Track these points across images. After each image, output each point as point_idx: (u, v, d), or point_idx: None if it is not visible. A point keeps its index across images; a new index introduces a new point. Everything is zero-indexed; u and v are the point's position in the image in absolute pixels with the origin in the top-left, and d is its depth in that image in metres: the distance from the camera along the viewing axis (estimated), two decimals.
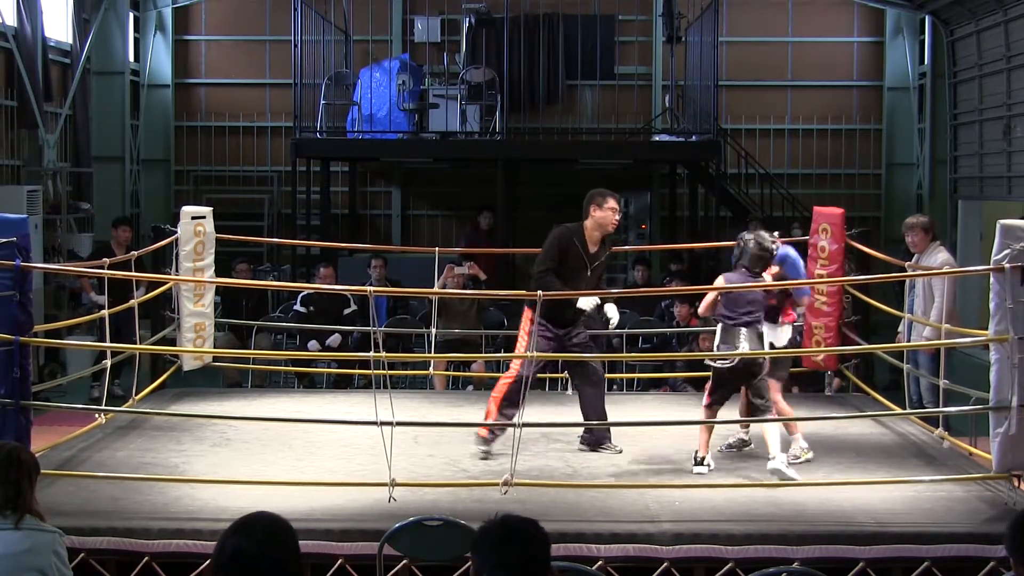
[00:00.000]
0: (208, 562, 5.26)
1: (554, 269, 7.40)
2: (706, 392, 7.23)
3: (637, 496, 6.47)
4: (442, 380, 10.73)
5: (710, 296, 7.16)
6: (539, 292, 6.97)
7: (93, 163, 15.92)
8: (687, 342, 10.96)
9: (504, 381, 7.42)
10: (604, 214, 7.47)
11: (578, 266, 7.47)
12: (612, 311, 7.77)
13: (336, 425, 7.73)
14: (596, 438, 7.56)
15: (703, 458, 7.04)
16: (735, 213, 16.04)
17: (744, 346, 6.95)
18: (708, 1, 14.01)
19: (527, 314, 7.42)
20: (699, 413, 7.33)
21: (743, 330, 6.99)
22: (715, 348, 7.15)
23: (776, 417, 7.15)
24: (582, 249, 7.47)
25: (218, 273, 9.49)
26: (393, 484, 6.21)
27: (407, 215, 18.06)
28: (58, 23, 15.14)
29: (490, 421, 7.33)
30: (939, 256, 8.65)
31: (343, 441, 7.62)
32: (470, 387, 8.20)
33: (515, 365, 7.40)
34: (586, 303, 7.41)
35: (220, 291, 11.61)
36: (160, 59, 17.78)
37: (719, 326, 7.10)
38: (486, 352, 11.02)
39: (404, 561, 5.63)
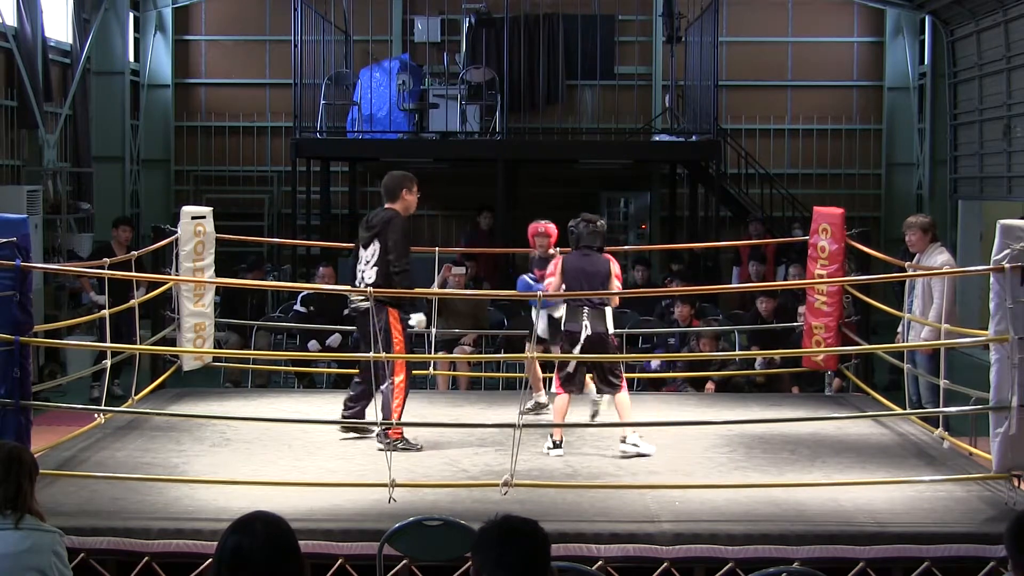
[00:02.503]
0: (208, 562, 5.26)
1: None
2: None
3: (637, 496, 6.46)
4: (444, 380, 10.76)
5: (556, 280, 7.69)
6: (539, 293, 7.00)
7: (93, 163, 15.93)
8: (687, 342, 10.97)
9: (400, 383, 7.40)
10: (414, 198, 7.68)
11: None
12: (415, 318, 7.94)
13: (336, 425, 7.73)
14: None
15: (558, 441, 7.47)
16: (735, 213, 16.05)
17: (587, 323, 7.41)
18: (708, 1, 14.01)
19: (394, 315, 7.40)
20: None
21: (586, 308, 7.43)
22: (562, 326, 7.59)
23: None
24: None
25: (218, 273, 9.48)
26: (393, 484, 6.21)
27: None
28: (58, 23, 15.14)
29: (397, 420, 7.39)
30: (939, 257, 8.65)
31: (343, 441, 7.62)
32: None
33: (400, 366, 7.40)
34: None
35: (222, 291, 11.61)
36: (160, 59, 17.79)
37: (564, 305, 7.58)
38: (486, 352, 11.04)
39: (404, 561, 5.63)
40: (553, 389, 7.61)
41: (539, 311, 7.83)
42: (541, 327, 8.19)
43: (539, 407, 8.50)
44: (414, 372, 8.02)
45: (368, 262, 7.49)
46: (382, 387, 7.31)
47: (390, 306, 7.38)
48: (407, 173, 7.82)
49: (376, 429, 7.35)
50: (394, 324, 7.40)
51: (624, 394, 7.62)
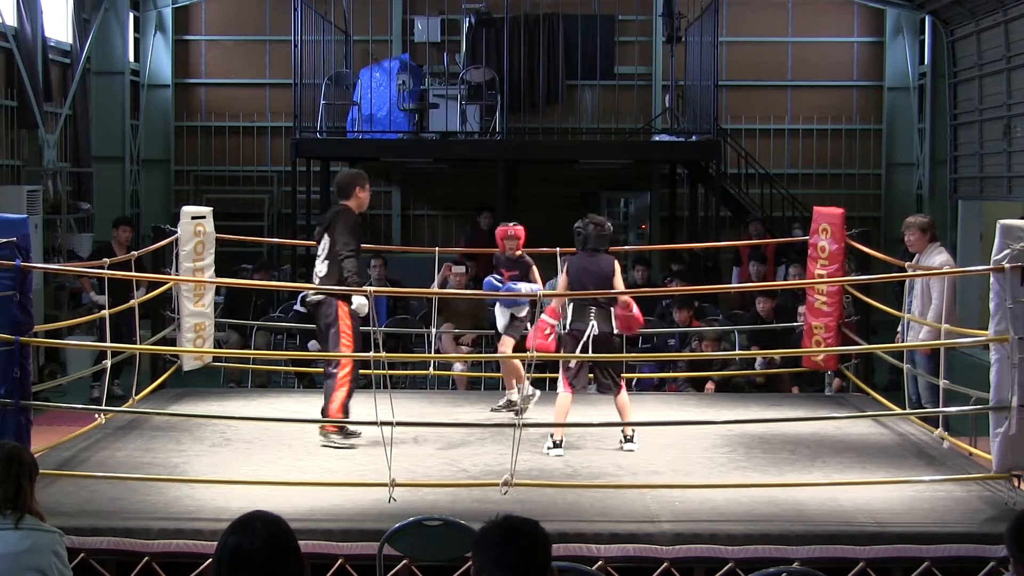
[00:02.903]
0: (208, 562, 5.26)
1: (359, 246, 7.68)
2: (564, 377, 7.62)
3: (637, 496, 6.46)
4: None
5: (563, 279, 7.77)
6: (539, 292, 7.03)
7: (93, 163, 15.93)
8: (688, 343, 10.97)
9: (343, 377, 7.48)
10: (367, 195, 7.85)
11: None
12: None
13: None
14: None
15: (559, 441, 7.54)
16: (735, 213, 16.05)
17: (593, 323, 7.54)
18: (708, 1, 14.01)
19: (344, 308, 7.49)
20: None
21: (593, 308, 7.55)
22: (568, 326, 7.66)
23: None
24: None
25: (218, 273, 9.48)
26: (393, 484, 6.21)
27: (407, 215, 18.07)
28: (58, 23, 15.14)
29: (338, 418, 7.48)
30: (938, 257, 8.65)
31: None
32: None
33: (345, 362, 7.48)
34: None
35: (225, 291, 11.61)
36: (160, 59, 17.79)
37: (571, 305, 7.64)
38: (486, 352, 11.03)
39: (404, 561, 5.63)
40: (559, 388, 7.62)
41: (503, 308, 8.30)
42: (502, 323, 8.58)
43: (510, 405, 8.59)
44: (414, 372, 8.07)
45: (320, 256, 7.71)
46: (328, 380, 7.53)
47: (339, 299, 7.50)
48: (360, 171, 8.15)
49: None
50: (343, 317, 7.51)
51: (624, 394, 7.68)
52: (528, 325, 8.42)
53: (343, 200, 7.78)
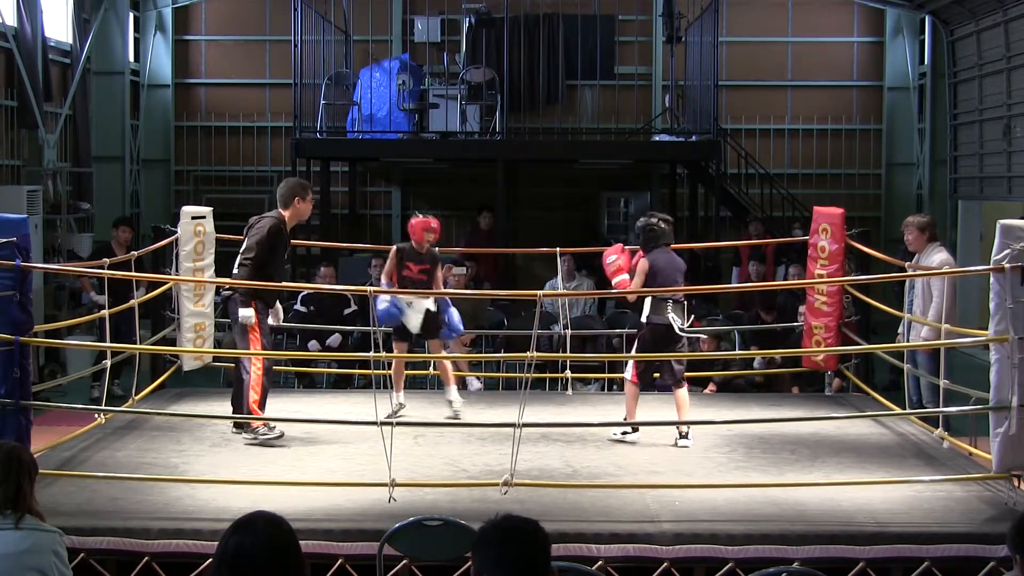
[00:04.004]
0: (208, 562, 5.26)
1: (263, 257, 7.66)
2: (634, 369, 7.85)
3: (637, 496, 6.47)
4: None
5: (639, 280, 7.80)
6: (539, 293, 7.03)
7: (93, 163, 15.93)
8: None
9: (256, 375, 7.57)
10: (307, 206, 7.95)
11: (283, 252, 8.10)
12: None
13: (336, 425, 7.73)
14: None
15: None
16: (735, 213, 16.04)
17: (672, 316, 7.71)
18: (708, 1, 14.01)
19: (254, 306, 7.64)
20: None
21: (671, 302, 7.74)
22: (645, 319, 7.80)
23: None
24: (288, 237, 8.02)
25: (218, 273, 9.48)
26: (393, 484, 6.21)
27: (407, 215, 18.01)
28: (58, 23, 15.14)
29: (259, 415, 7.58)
30: (936, 256, 8.65)
31: (343, 441, 7.62)
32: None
33: (257, 361, 7.60)
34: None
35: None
36: (160, 59, 17.78)
37: (648, 300, 7.76)
38: (486, 352, 11.04)
39: (404, 561, 5.63)
40: (628, 376, 7.91)
41: (412, 307, 8.26)
42: (415, 323, 8.37)
43: (451, 410, 8.51)
44: (414, 372, 8.09)
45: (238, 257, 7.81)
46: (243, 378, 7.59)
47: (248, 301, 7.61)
48: (302, 180, 8.29)
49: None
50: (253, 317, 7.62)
51: (685, 391, 7.87)
52: (444, 320, 8.46)
53: (281, 209, 7.86)
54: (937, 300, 8.27)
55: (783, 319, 10.63)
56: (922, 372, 8.52)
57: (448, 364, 8.61)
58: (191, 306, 8.91)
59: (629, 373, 7.92)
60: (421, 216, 8.61)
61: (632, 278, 7.85)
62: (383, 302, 8.25)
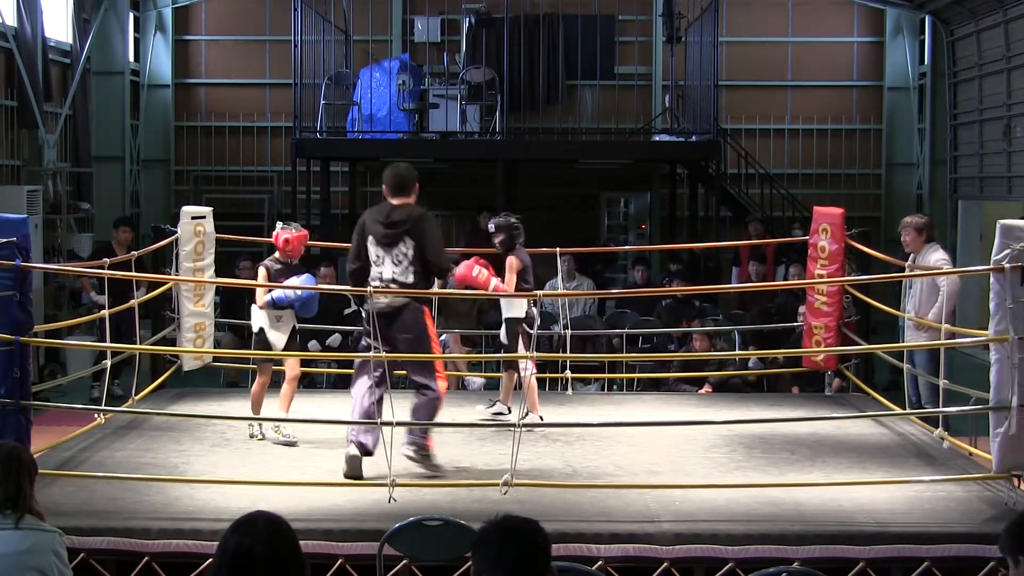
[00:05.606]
0: (208, 562, 5.26)
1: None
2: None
3: (637, 496, 6.46)
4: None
5: (512, 277, 8.18)
6: (539, 293, 7.03)
7: (93, 163, 15.93)
8: (686, 344, 10.96)
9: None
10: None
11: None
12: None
13: (336, 425, 7.72)
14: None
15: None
16: (735, 213, 16.04)
17: (533, 310, 8.16)
18: (708, 1, 14.01)
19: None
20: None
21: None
22: (514, 316, 8.08)
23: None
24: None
25: (218, 273, 9.49)
26: (393, 484, 6.21)
27: None
28: (58, 23, 15.14)
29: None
30: (932, 255, 8.64)
31: (343, 441, 7.59)
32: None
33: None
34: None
35: (221, 290, 11.58)
36: (160, 59, 17.78)
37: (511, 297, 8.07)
38: (486, 352, 11.03)
39: (404, 561, 5.63)
40: (531, 369, 8.01)
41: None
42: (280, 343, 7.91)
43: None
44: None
45: (393, 261, 6.99)
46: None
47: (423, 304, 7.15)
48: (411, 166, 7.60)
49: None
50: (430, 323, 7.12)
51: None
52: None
53: (406, 197, 7.09)
54: (940, 300, 8.27)
55: (783, 319, 10.63)
56: (921, 372, 8.52)
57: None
58: (191, 306, 8.91)
59: (531, 366, 7.93)
60: (300, 229, 8.06)
61: (504, 278, 8.19)
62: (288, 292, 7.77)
